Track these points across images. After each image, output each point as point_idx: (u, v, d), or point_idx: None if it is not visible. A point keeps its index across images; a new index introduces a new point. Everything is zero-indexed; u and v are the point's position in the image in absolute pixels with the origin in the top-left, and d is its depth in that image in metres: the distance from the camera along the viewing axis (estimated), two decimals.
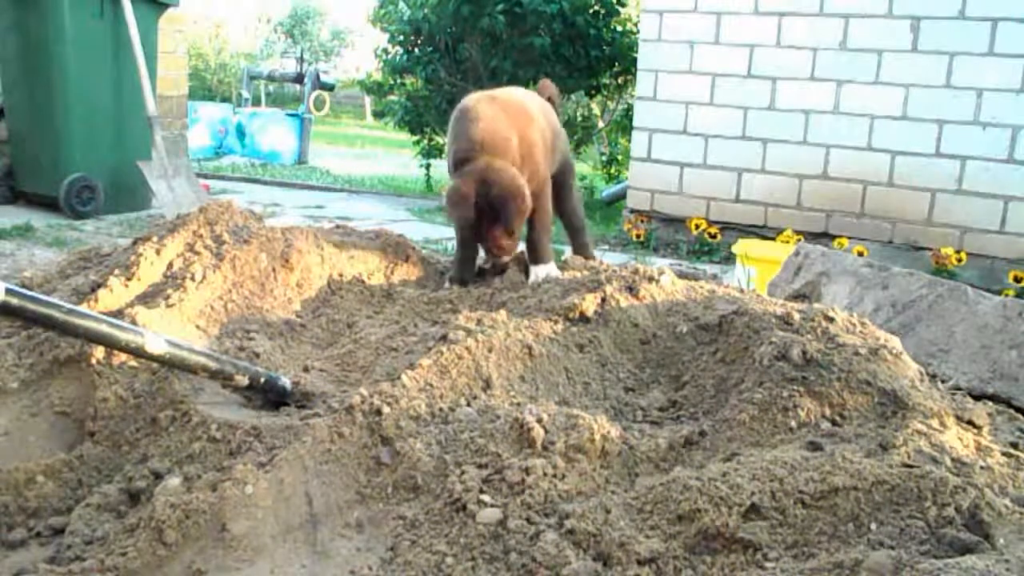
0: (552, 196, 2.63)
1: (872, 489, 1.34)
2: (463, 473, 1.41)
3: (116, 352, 1.77)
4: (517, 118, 2.46)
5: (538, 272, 2.47)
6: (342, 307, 2.26)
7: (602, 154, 8.93)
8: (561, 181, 2.74)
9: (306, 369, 1.94)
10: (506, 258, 2.48)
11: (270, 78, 12.62)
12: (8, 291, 1.29)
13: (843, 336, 1.78)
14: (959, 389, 2.11)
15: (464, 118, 2.40)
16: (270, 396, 1.77)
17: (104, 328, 1.47)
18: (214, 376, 1.66)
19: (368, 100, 16.22)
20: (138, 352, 1.53)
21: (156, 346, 1.54)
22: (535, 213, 2.49)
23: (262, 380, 1.73)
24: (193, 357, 1.61)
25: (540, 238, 2.52)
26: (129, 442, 1.65)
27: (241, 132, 10.44)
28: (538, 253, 2.52)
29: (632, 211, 6.08)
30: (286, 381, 1.78)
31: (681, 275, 2.32)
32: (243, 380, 1.69)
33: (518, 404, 1.62)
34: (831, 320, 1.85)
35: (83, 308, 1.58)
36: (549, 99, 2.91)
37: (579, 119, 9.03)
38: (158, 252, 2.16)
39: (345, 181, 8.87)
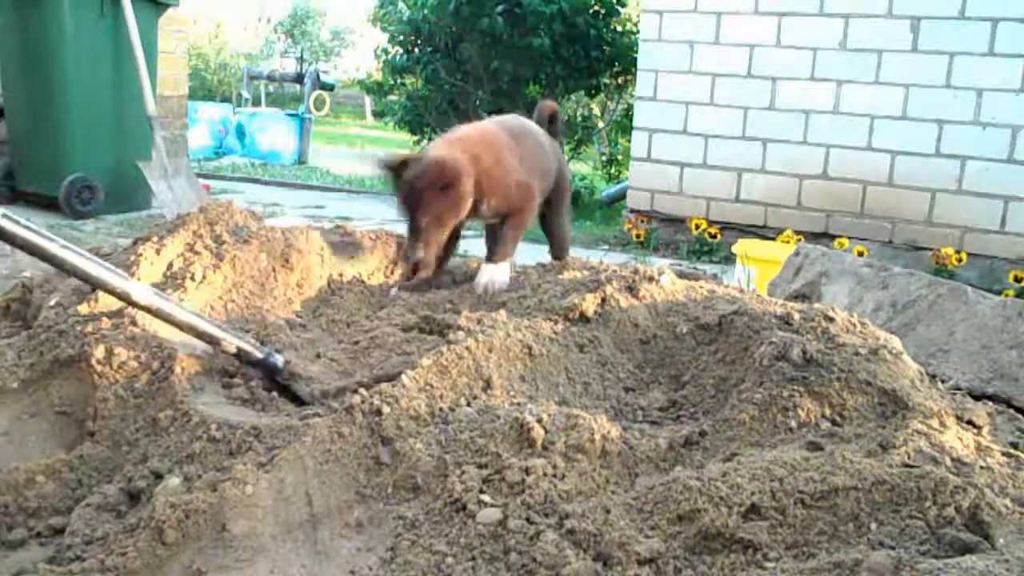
0: (542, 212, 2.64)
1: (872, 489, 1.34)
2: (463, 473, 1.41)
3: (116, 352, 1.77)
4: (481, 156, 2.32)
5: (485, 270, 2.34)
6: (342, 307, 2.26)
7: (602, 154, 8.93)
8: (553, 198, 2.71)
9: (318, 356, 1.95)
10: (421, 273, 2.33)
11: (270, 78, 12.61)
12: (4, 216, 1.35)
13: (843, 336, 1.78)
14: (959, 389, 2.11)
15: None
16: (259, 370, 1.79)
17: (91, 268, 1.52)
18: (200, 336, 1.69)
19: (368, 100, 16.21)
20: (124, 298, 1.59)
21: (142, 296, 1.59)
22: (511, 216, 2.40)
23: (254, 352, 1.76)
24: (181, 313, 1.66)
25: (505, 237, 2.40)
26: (129, 442, 1.65)
27: (241, 132, 10.43)
28: (496, 250, 2.40)
29: (632, 211, 6.08)
30: (279, 358, 1.79)
31: (681, 275, 2.32)
32: (231, 346, 1.72)
33: (518, 404, 1.62)
34: (831, 320, 1.85)
35: (77, 248, 1.60)
36: (551, 117, 2.90)
37: (579, 119, 9.03)
38: (158, 252, 2.16)
39: (345, 181, 8.87)
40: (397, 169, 2.22)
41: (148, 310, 1.60)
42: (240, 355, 1.74)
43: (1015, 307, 2.32)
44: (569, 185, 2.91)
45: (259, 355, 1.78)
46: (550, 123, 2.91)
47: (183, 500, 1.33)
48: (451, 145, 2.31)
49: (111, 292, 1.56)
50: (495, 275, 2.33)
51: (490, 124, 2.59)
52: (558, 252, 2.86)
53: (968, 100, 4.96)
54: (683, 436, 1.61)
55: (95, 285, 1.59)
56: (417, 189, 2.16)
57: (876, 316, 2.46)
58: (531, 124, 2.73)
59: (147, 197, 5.76)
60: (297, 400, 1.79)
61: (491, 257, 2.40)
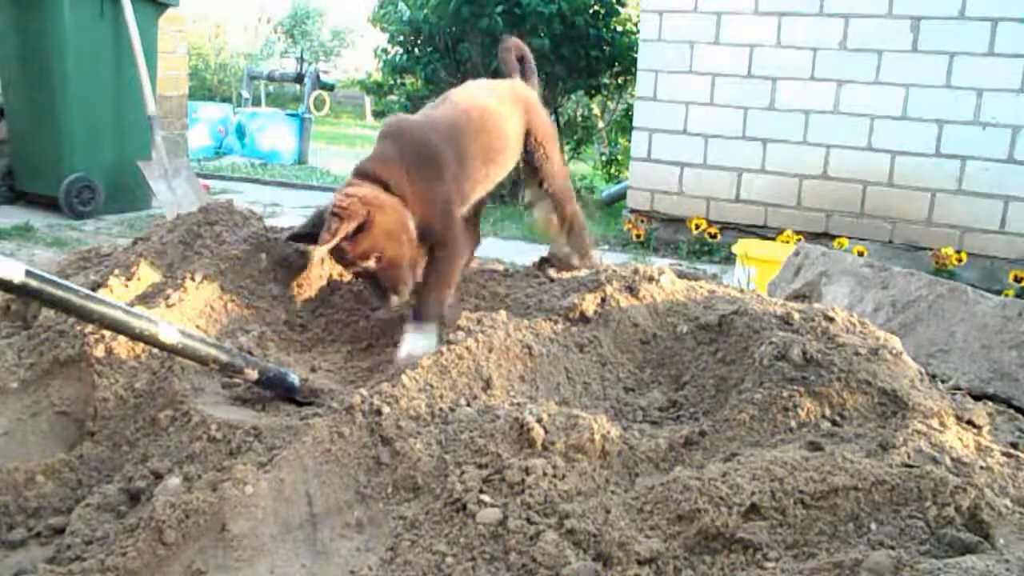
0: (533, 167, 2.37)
1: (872, 489, 1.34)
2: (463, 473, 1.41)
3: (116, 352, 1.77)
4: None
5: (404, 340, 1.91)
6: (342, 307, 2.26)
7: (602, 154, 8.93)
8: (534, 150, 2.38)
9: (313, 370, 1.95)
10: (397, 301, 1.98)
11: (270, 78, 12.59)
12: (28, 273, 1.31)
13: (843, 336, 1.78)
14: (959, 389, 2.11)
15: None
16: (278, 392, 1.77)
17: (119, 315, 1.48)
18: (224, 368, 1.66)
19: (368, 100, 16.19)
20: (151, 341, 1.53)
21: (169, 336, 1.54)
22: (431, 252, 2.03)
23: (271, 375, 1.74)
24: (204, 348, 1.62)
25: (426, 292, 2.00)
26: (129, 442, 1.65)
27: (241, 132, 10.42)
28: (417, 308, 1.98)
29: (632, 211, 6.08)
30: (295, 377, 1.79)
31: (681, 275, 2.32)
32: (253, 374, 1.69)
33: (518, 404, 1.62)
34: (831, 320, 1.85)
35: (99, 294, 1.57)
36: (520, 58, 2.62)
37: (579, 119, 9.03)
38: (158, 252, 2.16)
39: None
40: (307, 240, 2.00)
41: (174, 350, 1.57)
42: (261, 382, 1.74)
43: (1015, 307, 2.32)
44: (550, 131, 2.49)
45: (282, 380, 1.77)
46: (521, 63, 2.63)
47: (183, 500, 1.33)
48: (346, 189, 1.95)
49: (138, 338, 1.51)
50: (414, 346, 1.88)
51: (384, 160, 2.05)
52: (560, 209, 2.46)
53: (968, 100, 4.95)
54: (683, 436, 1.61)
55: (122, 333, 1.55)
56: (339, 250, 1.89)
57: (876, 316, 2.46)
58: (464, 109, 2.26)
59: (147, 197, 5.76)
60: (296, 400, 1.79)
61: (414, 316, 1.96)
